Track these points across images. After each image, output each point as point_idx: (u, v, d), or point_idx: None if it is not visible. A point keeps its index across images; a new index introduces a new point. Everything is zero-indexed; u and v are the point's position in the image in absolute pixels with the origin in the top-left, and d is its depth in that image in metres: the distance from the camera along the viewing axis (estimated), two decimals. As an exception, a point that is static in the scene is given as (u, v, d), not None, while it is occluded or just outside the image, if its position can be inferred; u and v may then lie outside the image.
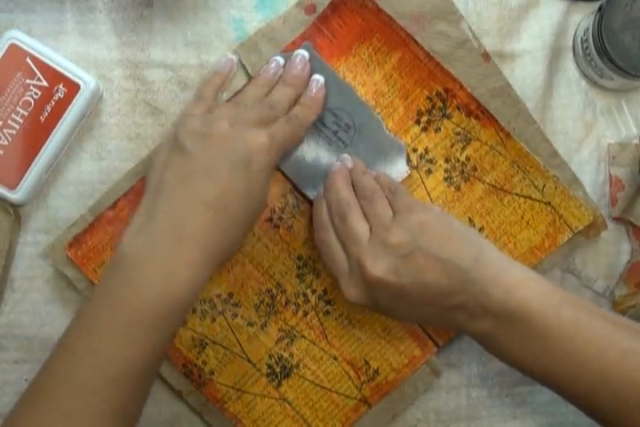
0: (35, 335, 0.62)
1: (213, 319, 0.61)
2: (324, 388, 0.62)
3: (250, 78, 0.61)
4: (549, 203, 0.61)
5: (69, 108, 0.59)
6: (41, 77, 0.58)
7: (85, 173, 0.62)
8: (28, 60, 0.58)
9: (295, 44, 0.60)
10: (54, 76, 0.58)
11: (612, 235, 0.65)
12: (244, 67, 0.61)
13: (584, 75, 0.65)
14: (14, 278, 0.62)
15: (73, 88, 0.58)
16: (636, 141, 0.64)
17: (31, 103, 0.58)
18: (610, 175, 0.64)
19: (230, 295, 0.61)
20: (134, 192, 0.61)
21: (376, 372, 0.62)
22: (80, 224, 0.61)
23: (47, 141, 0.59)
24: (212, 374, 0.61)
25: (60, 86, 0.58)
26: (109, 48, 0.62)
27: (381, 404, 0.62)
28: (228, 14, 0.62)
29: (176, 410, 0.63)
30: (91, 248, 0.60)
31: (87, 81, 0.59)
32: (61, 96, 0.58)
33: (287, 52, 0.59)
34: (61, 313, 0.62)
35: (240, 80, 0.62)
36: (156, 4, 0.62)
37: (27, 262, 0.62)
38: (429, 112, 0.61)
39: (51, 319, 0.62)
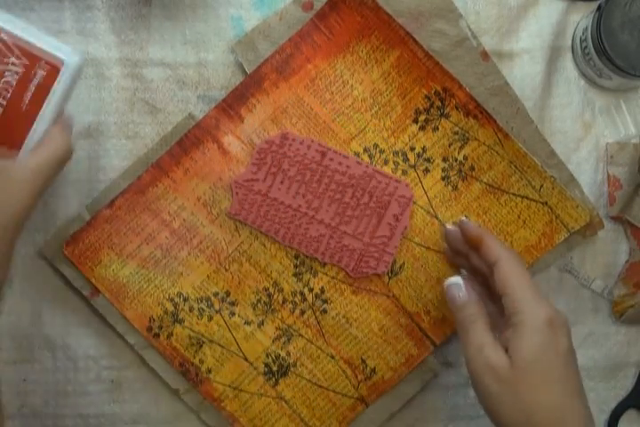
0: (33, 335, 0.62)
1: (210, 318, 0.61)
2: (321, 387, 0.62)
3: (246, 75, 0.61)
4: (546, 203, 0.61)
5: (54, 86, 0.51)
6: (20, 55, 0.50)
7: (83, 172, 0.62)
8: (4, 36, 0.51)
9: (292, 42, 0.60)
10: (32, 56, 0.50)
11: (610, 234, 0.65)
12: (240, 64, 0.61)
13: (583, 74, 0.64)
14: (13, 278, 0.62)
15: (54, 65, 0.50)
16: (634, 141, 0.64)
17: (12, 84, 0.51)
18: (608, 174, 0.64)
19: (227, 294, 0.61)
20: (131, 191, 0.61)
21: (373, 371, 0.62)
22: (77, 222, 0.61)
23: (32, 129, 0.51)
24: (209, 372, 0.61)
25: (42, 63, 0.51)
26: (108, 46, 0.62)
27: (378, 403, 0.62)
28: (227, 12, 0.62)
29: (174, 409, 0.63)
30: (88, 246, 0.60)
31: (68, 56, 0.50)
32: (44, 74, 0.51)
33: None
34: (60, 312, 0.62)
35: (237, 78, 0.62)
36: (154, 2, 0.62)
37: (25, 262, 0.62)
38: (427, 111, 0.61)
39: (49, 318, 0.62)
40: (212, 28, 0.62)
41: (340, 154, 0.61)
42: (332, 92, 0.61)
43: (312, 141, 0.61)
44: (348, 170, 0.61)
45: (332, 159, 0.61)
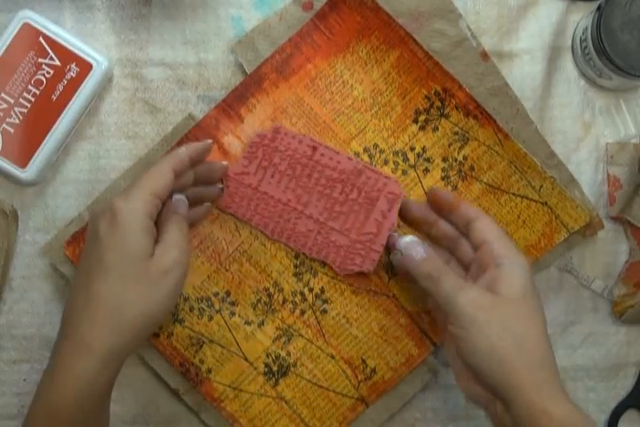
0: (33, 335, 0.62)
1: (210, 318, 0.61)
2: (321, 387, 0.62)
3: (246, 75, 0.61)
4: (546, 203, 0.61)
5: (81, 87, 0.59)
6: (53, 56, 0.58)
7: (84, 172, 0.62)
8: (41, 39, 0.59)
9: (292, 42, 0.60)
10: (66, 56, 0.59)
11: (610, 234, 0.65)
12: (240, 64, 0.61)
13: (583, 74, 0.64)
14: (13, 278, 0.62)
15: (85, 68, 0.59)
16: (634, 141, 0.64)
17: (43, 82, 0.58)
18: (608, 174, 0.64)
19: (228, 294, 0.61)
20: (132, 190, 0.61)
21: (373, 371, 0.62)
22: (78, 222, 0.61)
23: (58, 120, 0.59)
24: (209, 372, 0.61)
25: (73, 66, 0.59)
26: (108, 47, 0.62)
27: (378, 403, 0.62)
28: (227, 12, 0.62)
29: (174, 409, 0.63)
30: (88, 246, 0.60)
31: (99, 61, 0.59)
32: (73, 75, 0.59)
33: None
34: (60, 312, 0.62)
35: (237, 78, 0.62)
36: (154, 2, 0.62)
37: (25, 262, 0.62)
38: (427, 111, 0.61)
39: (49, 319, 0.62)
40: (212, 28, 0.62)
41: (332, 149, 0.60)
42: (332, 92, 0.61)
43: (304, 136, 0.60)
44: (339, 165, 0.60)
45: (322, 154, 0.60)
